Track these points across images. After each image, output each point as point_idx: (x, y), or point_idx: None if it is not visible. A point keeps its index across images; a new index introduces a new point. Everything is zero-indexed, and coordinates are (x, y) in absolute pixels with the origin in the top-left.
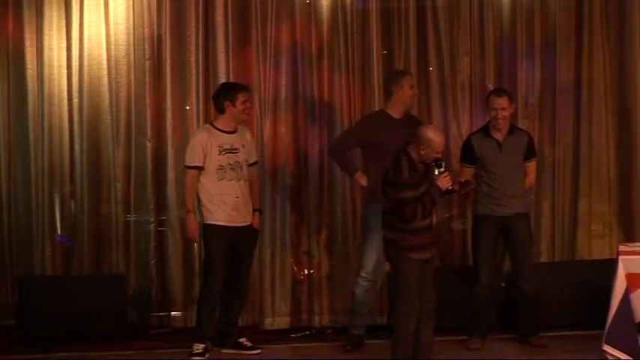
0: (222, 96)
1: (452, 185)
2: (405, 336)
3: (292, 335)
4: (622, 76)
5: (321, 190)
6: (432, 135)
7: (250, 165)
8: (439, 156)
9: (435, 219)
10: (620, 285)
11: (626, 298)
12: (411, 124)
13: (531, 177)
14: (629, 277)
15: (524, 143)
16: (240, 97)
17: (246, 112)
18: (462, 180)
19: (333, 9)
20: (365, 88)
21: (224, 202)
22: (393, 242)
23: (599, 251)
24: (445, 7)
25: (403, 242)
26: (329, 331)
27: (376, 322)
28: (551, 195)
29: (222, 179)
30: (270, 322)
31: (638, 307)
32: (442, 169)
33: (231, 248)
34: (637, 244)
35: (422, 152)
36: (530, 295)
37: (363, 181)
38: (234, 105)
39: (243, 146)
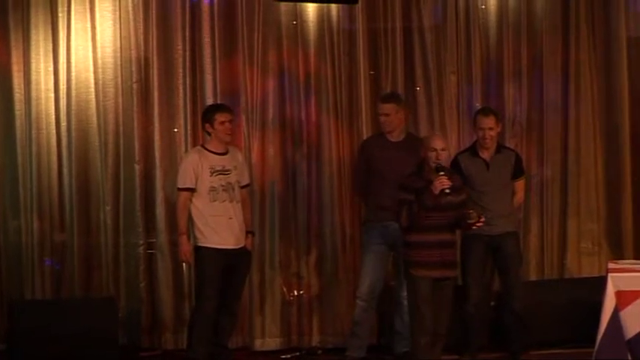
0: (203, 119)
1: (447, 188)
2: (420, 354)
3: (282, 356)
4: (609, 93)
5: (310, 211)
6: (429, 135)
7: (242, 187)
8: (434, 154)
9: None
10: (609, 302)
11: (615, 316)
12: (413, 145)
13: (520, 195)
14: (619, 294)
15: (512, 162)
16: (218, 118)
17: (228, 132)
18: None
19: (320, 30)
20: (352, 108)
21: (217, 224)
22: (404, 258)
23: (588, 269)
24: (432, 28)
25: (409, 258)
26: (319, 351)
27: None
28: (539, 213)
29: (214, 200)
30: (261, 344)
31: (627, 324)
32: (441, 173)
33: (223, 270)
34: (626, 261)
35: (423, 155)
36: (520, 313)
37: None
38: (213, 127)
39: (235, 167)
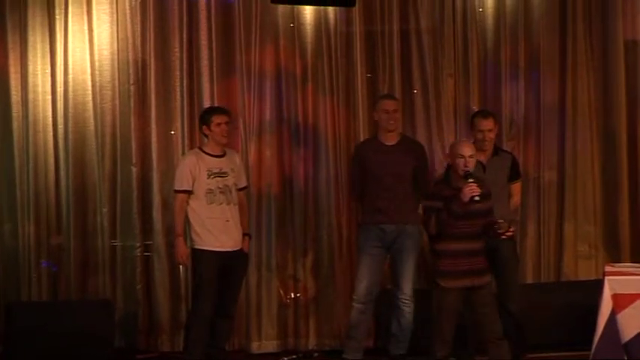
0: (200, 121)
1: (477, 195)
2: None
3: (279, 359)
4: (607, 96)
5: (307, 214)
6: (456, 142)
7: (240, 189)
8: (462, 161)
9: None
10: (606, 306)
11: (612, 319)
12: (408, 147)
13: (516, 198)
14: (615, 297)
15: (509, 165)
16: (215, 120)
17: (224, 134)
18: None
19: (317, 32)
20: (349, 111)
21: (214, 226)
22: (431, 267)
23: (585, 272)
24: (429, 30)
25: (437, 267)
26: (316, 354)
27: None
28: (536, 216)
29: (211, 203)
30: (258, 346)
31: (624, 327)
32: (470, 180)
33: (220, 273)
34: (623, 264)
35: (451, 163)
36: (517, 316)
37: None
38: (210, 129)
39: (232, 170)
